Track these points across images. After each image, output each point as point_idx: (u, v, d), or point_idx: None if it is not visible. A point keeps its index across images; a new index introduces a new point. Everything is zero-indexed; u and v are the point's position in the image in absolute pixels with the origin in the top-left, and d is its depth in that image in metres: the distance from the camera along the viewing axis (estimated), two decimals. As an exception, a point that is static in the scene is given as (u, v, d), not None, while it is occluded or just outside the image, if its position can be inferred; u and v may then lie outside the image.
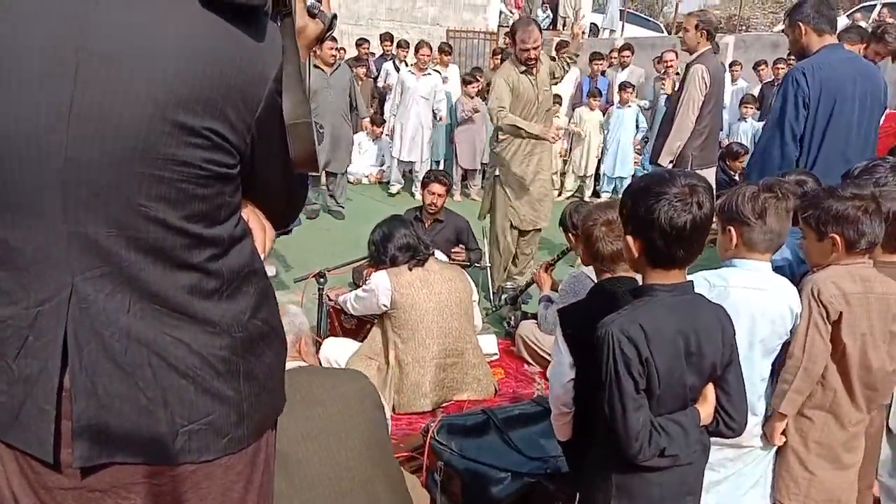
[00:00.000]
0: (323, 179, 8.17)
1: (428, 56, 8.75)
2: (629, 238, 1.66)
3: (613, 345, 1.56)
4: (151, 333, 1.16)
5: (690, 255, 1.65)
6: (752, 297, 2.13)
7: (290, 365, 2.02)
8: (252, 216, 1.35)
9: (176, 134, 1.08)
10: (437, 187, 5.08)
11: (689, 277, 1.89)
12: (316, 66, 7.15)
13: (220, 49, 1.11)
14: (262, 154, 1.21)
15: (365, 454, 1.96)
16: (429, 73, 8.83)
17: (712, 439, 1.83)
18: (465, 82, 8.95)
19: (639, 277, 1.84)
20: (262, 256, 1.35)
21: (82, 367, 1.12)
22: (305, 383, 1.98)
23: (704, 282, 2.15)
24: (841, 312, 2.12)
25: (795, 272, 2.43)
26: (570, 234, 4.10)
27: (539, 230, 5.38)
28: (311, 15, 1.37)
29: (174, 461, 1.19)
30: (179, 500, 1.22)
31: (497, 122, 4.97)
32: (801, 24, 3.51)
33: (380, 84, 10.38)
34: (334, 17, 1.40)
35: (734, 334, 1.77)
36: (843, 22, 8.90)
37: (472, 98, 8.82)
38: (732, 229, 2.15)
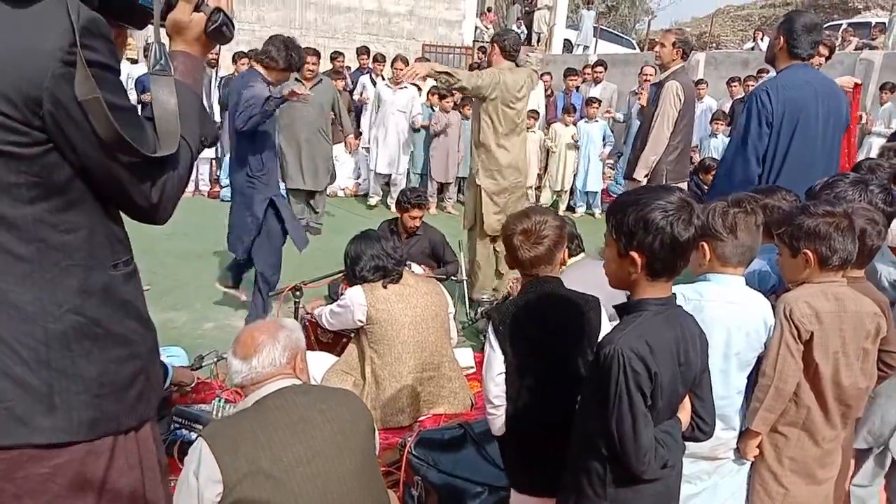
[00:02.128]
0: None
1: (402, 69, 8.74)
2: (634, 254, 1.65)
3: (624, 363, 1.56)
4: None
5: (685, 266, 1.69)
6: (727, 311, 2.16)
7: (283, 383, 2.01)
8: None
9: None
10: (416, 212, 5.06)
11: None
12: (297, 79, 7.08)
13: None
14: (72, 133, 1.19)
15: (356, 479, 1.94)
16: (405, 87, 8.85)
17: (688, 453, 1.85)
18: (440, 96, 8.97)
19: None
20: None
21: None
22: (298, 405, 1.95)
23: (680, 296, 2.16)
24: (812, 332, 2.15)
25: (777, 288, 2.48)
26: None
27: None
28: (196, 7, 1.41)
29: None
30: None
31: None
32: (782, 36, 3.58)
33: (356, 97, 10.37)
34: (215, 10, 1.42)
35: (707, 343, 1.80)
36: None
37: (448, 112, 8.85)
38: (705, 245, 2.18)
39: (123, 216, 1.40)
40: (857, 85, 5.35)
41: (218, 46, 1.54)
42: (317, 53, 7.48)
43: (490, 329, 2.13)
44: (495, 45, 5.07)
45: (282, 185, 7.94)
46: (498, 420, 2.15)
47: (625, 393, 1.57)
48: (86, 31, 1.18)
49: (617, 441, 1.60)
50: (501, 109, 4.97)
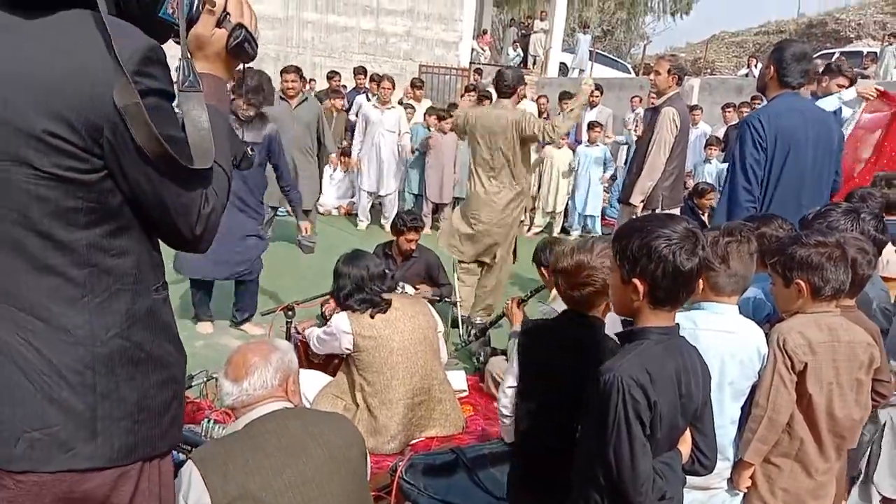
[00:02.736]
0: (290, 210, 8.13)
1: (389, 89, 8.78)
2: (636, 281, 1.65)
3: (623, 390, 1.55)
4: (3, 333, 1.19)
5: (689, 296, 1.70)
6: (721, 340, 2.15)
7: (274, 406, 1.99)
8: None
9: (10, 135, 1.13)
10: (412, 235, 5.06)
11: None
12: (282, 98, 7.09)
13: (47, 55, 1.15)
14: (127, 163, 1.20)
15: None
16: (392, 107, 8.87)
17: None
18: (440, 118, 9.00)
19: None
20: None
21: None
22: (290, 428, 1.93)
23: None
24: (806, 363, 2.14)
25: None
26: (542, 271, 4.11)
27: (491, 265, 5.34)
28: (218, 23, 1.40)
29: (13, 467, 1.20)
30: None
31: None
32: (773, 65, 3.63)
33: (352, 117, 10.42)
34: (236, 25, 1.40)
35: (710, 375, 1.79)
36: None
37: (446, 133, 8.89)
38: None
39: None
40: (882, 92, 5.30)
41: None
42: (297, 71, 7.35)
43: (515, 344, 2.21)
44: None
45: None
46: (509, 430, 2.24)
47: (623, 421, 1.56)
48: (146, 59, 1.19)
49: (614, 469, 1.59)
50: (473, 146, 5.18)
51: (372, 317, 3.45)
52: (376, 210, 9.44)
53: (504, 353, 4.35)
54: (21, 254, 1.19)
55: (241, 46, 1.41)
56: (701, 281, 2.15)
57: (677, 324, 1.74)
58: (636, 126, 8.77)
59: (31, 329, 1.20)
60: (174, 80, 1.30)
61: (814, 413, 2.19)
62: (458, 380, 4.17)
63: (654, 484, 1.60)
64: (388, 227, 8.65)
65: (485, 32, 20.91)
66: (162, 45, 1.29)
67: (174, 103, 1.28)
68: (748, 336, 2.20)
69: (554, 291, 4.11)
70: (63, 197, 1.18)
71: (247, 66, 1.50)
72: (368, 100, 9.81)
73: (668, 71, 4.99)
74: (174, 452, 2.87)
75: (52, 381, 1.21)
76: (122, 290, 1.27)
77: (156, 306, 1.35)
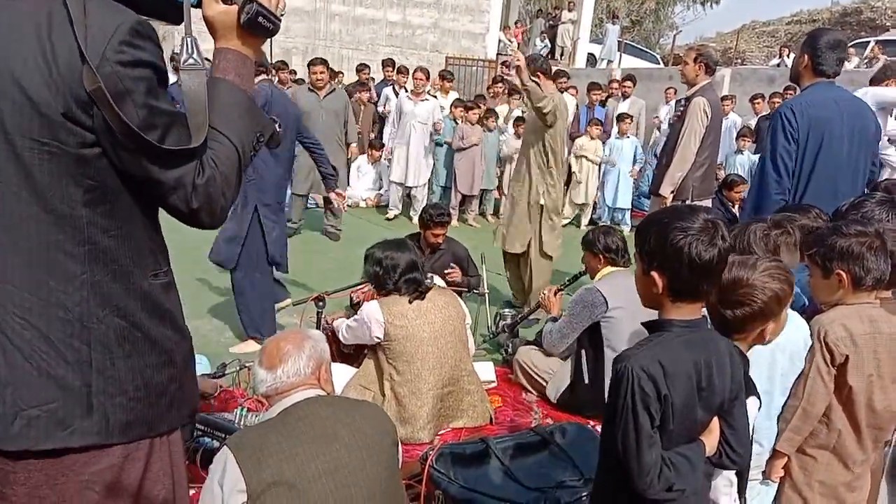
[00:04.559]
0: (320, 202, 8.26)
1: (423, 80, 8.78)
2: (654, 273, 1.64)
3: (633, 381, 1.55)
4: (0, 312, 1.21)
5: (712, 288, 1.66)
6: None
7: (308, 393, 2.01)
8: None
9: (15, 110, 1.15)
10: (439, 230, 5.03)
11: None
12: (310, 90, 7.16)
13: (41, 32, 1.16)
14: (110, 135, 1.19)
15: (378, 492, 1.93)
16: (426, 99, 8.87)
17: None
18: (466, 108, 8.98)
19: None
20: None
21: None
22: (323, 417, 1.95)
23: None
24: (847, 355, 2.11)
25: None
26: (590, 254, 4.06)
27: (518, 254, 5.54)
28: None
29: (10, 446, 1.21)
30: (35, 491, 1.24)
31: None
32: (807, 54, 3.57)
33: (380, 109, 10.45)
34: (246, 0, 1.33)
35: (742, 369, 1.76)
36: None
37: (473, 125, 8.87)
38: None
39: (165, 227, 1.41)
40: None
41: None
42: (324, 62, 7.56)
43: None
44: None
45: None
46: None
47: (630, 411, 1.56)
48: (134, 31, 1.19)
49: (621, 455, 1.59)
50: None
51: (410, 302, 3.48)
52: (406, 201, 9.47)
53: (532, 342, 4.34)
54: (25, 230, 1.20)
55: (255, 21, 1.34)
56: None
57: (704, 316, 1.72)
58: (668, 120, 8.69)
59: (28, 307, 1.21)
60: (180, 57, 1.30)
61: (853, 405, 2.16)
62: (487, 371, 4.17)
63: (660, 474, 1.59)
64: (416, 220, 8.69)
65: (517, 24, 20.79)
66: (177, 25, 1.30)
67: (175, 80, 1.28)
68: (796, 329, 2.17)
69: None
70: (65, 172, 1.19)
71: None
72: (395, 92, 9.83)
73: (695, 59, 4.91)
74: (208, 440, 2.94)
75: (49, 358, 1.22)
76: (118, 270, 1.28)
77: (154, 291, 1.35)
